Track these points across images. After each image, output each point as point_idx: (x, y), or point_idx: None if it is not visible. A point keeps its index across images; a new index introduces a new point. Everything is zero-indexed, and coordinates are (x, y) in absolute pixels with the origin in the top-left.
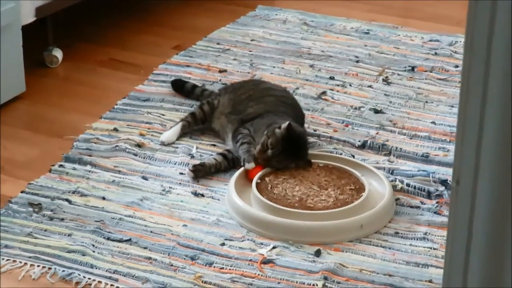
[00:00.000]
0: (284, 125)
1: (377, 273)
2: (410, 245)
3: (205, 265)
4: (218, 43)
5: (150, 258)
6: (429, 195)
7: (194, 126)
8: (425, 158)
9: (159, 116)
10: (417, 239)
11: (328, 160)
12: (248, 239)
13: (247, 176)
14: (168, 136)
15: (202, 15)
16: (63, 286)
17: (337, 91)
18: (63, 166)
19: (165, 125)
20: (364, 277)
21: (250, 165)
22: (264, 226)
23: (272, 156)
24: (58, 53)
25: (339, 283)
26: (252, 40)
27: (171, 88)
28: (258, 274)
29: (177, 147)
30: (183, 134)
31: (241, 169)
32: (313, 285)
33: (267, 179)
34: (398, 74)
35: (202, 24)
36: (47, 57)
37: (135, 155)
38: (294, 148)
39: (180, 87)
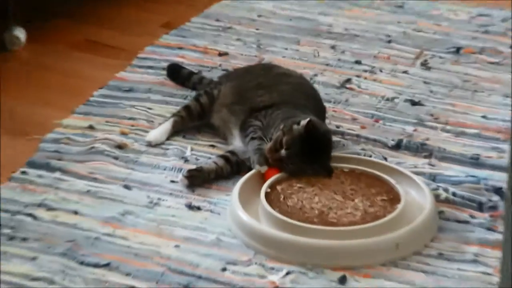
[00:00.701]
0: (304, 121)
1: None
2: (458, 269)
3: None
4: (217, 20)
5: (133, 287)
6: (480, 207)
7: (189, 123)
8: (475, 161)
9: (145, 111)
10: (466, 262)
11: (355, 164)
12: (255, 263)
13: (262, 178)
14: (156, 135)
15: None
16: None
17: (365, 78)
18: (26, 173)
19: (152, 122)
20: None
21: (262, 168)
22: (275, 247)
23: (286, 157)
24: (20, 33)
25: None
26: (259, 16)
27: (159, 76)
28: None
29: (168, 149)
30: (174, 132)
31: (247, 175)
32: None
33: (279, 187)
34: (440, 57)
35: None
36: (7, 38)
37: (116, 158)
38: (313, 150)
39: (176, 73)
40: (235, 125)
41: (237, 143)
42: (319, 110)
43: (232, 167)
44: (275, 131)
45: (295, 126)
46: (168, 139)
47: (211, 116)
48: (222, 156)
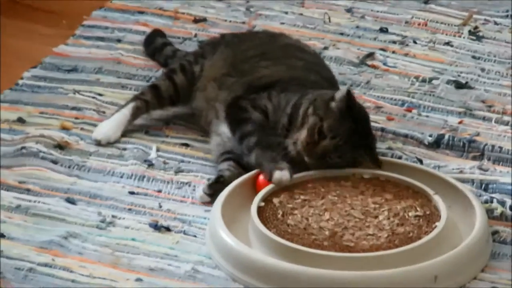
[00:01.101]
0: (342, 92)
1: None
2: None
3: None
4: None
5: None
6: None
7: (157, 109)
8: None
9: (93, 98)
10: None
11: (379, 169)
12: None
13: (255, 188)
14: (107, 130)
15: None
16: None
17: (393, 52)
18: None
19: (103, 113)
20: None
21: (284, 174)
22: (272, 280)
23: (333, 148)
24: None
25: None
26: None
27: (113, 50)
28: None
29: (125, 149)
30: (134, 124)
31: (233, 184)
32: None
33: (276, 200)
34: (496, 23)
35: None
36: None
37: (55, 162)
38: (360, 130)
39: (150, 43)
40: (221, 107)
41: (225, 129)
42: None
43: (247, 170)
44: (291, 111)
45: (332, 104)
46: (124, 135)
47: (193, 98)
48: (230, 159)
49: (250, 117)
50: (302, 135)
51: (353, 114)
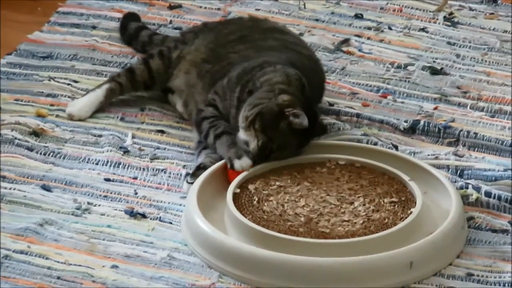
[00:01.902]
0: (299, 120)
1: None
2: None
3: None
4: None
5: None
6: None
7: (130, 92)
8: None
9: (68, 84)
10: (504, 285)
11: (354, 155)
12: None
13: (227, 178)
14: (80, 106)
15: None
16: None
17: (368, 38)
18: None
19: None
20: None
21: (245, 163)
22: (247, 266)
23: (283, 155)
24: None
25: None
26: None
27: (88, 37)
28: None
29: (101, 136)
30: (109, 111)
31: (208, 170)
32: None
33: (251, 187)
34: (471, 9)
35: None
36: None
37: (30, 149)
38: (309, 128)
39: (125, 29)
40: (200, 99)
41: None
42: (317, 80)
43: None
44: (232, 101)
45: (282, 125)
46: (99, 121)
47: (171, 79)
48: (207, 147)
49: (204, 116)
50: (252, 146)
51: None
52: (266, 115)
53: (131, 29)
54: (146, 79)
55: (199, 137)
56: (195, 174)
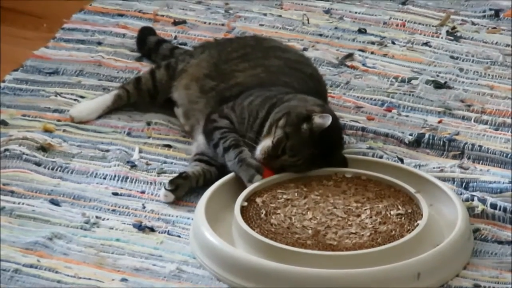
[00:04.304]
0: (322, 120)
1: None
2: None
3: None
4: None
5: None
6: None
7: (136, 99)
8: None
9: (75, 100)
10: None
11: (361, 168)
12: None
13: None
14: (82, 109)
15: None
16: None
17: (372, 52)
18: None
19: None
20: None
21: (257, 178)
22: (256, 279)
23: (292, 164)
24: None
25: None
26: None
27: (93, 53)
28: None
29: (108, 150)
30: (116, 126)
31: (216, 184)
32: None
33: (259, 200)
34: (473, 23)
35: None
36: None
37: (38, 164)
38: (327, 151)
39: (143, 43)
40: (202, 114)
41: (202, 139)
42: (320, 95)
43: (218, 170)
44: (254, 125)
45: (304, 127)
46: (104, 130)
47: (173, 91)
48: (200, 160)
49: (217, 126)
50: (267, 144)
51: (324, 142)
52: (292, 115)
53: (150, 43)
54: (150, 88)
55: (207, 145)
56: (173, 182)
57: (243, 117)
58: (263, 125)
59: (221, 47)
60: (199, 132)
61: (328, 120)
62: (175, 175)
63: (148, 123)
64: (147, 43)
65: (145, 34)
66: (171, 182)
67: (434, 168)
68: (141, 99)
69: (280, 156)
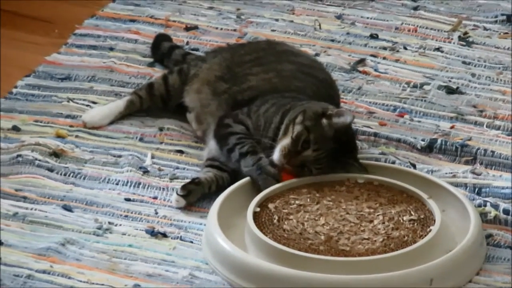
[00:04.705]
0: (345, 120)
1: None
2: None
3: None
4: None
5: None
6: None
7: (149, 105)
8: None
9: (87, 105)
10: None
11: (373, 173)
12: None
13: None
14: (95, 114)
15: None
16: None
17: (384, 58)
18: None
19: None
20: None
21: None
22: (268, 284)
23: (314, 160)
24: None
25: None
26: None
27: (105, 58)
28: None
29: (120, 156)
30: (128, 132)
31: (229, 190)
32: None
33: (271, 206)
34: (485, 29)
35: None
36: None
37: (50, 170)
38: (347, 148)
39: (157, 49)
40: (214, 118)
41: (214, 143)
42: (333, 101)
43: (230, 175)
44: (268, 131)
45: (324, 121)
46: (116, 136)
47: (184, 95)
48: (211, 166)
49: (232, 131)
50: (286, 142)
51: (342, 136)
52: (309, 111)
53: (164, 48)
54: (163, 93)
55: (219, 150)
56: (185, 187)
57: (258, 124)
58: (277, 130)
59: (233, 51)
60: (210, 136)
61: (349, 117)
62: (188, 180)
63: (161, 129)
64: (161, 48)
65: (160, 40)
66: (183, 187)
67: (446, 173)
68: (153, 104)
69: (301, 151)
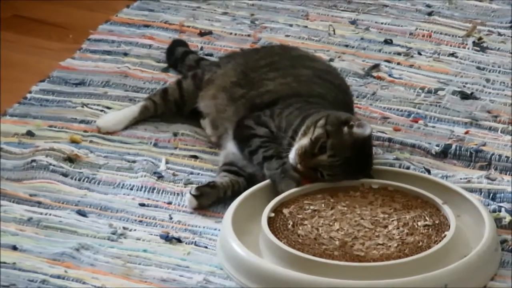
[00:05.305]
0: (364, 131)
1: None
2: None
3: None
4: None
5: None
6: None
7: (163, 110)
8: None
9: (101, 111)
10: None
11: (387, 179)
12: None
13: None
14: (109, 119)
15: None
16: None
17: (398, 63)
18: None
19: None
20: None
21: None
22: None
23: (328, 165)
24: None
25: None
26: None
27: (120, 64)
28: None
29: (135, 161)
30: (142, 137)
31: (243, 195)
32: None
33: (286, 211)
34: (499, 34)
35: None
36: None
37: (65, 175)
38: (362, 160)
39: (171, 54)
40: (230, 122)
41: (232, 147)
42: (347, 106)
43: (247, 180)
44: (288, 132)
45: (345, 129)
46: (131, 141)
47: (199, 101)
48: (228, 171)
49: (256, 133)
50: (304, 142)
51: (360, 148)
52: (332, 116)
53: (178, 53)
54: (177, 98)
55: (240, 151)
56: (199, 189)
57: (281, 125)
58: (297, 131)
59: (247, 56)
60: (228, 139)
61: (368, 129)
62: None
63: (175, 134)
64: (175, 53)
65: (175, 45)
66: (197, 188)
67: (461, 179)
68: (168, 110)
69: (317, 154)
